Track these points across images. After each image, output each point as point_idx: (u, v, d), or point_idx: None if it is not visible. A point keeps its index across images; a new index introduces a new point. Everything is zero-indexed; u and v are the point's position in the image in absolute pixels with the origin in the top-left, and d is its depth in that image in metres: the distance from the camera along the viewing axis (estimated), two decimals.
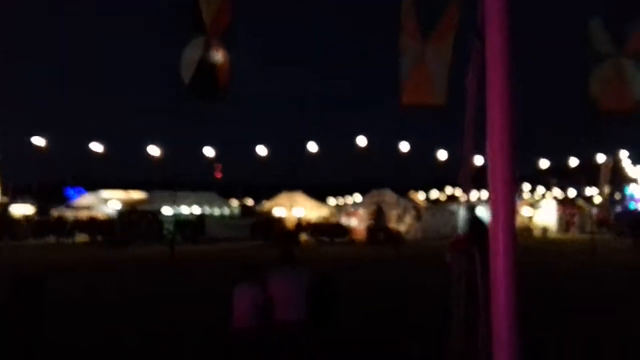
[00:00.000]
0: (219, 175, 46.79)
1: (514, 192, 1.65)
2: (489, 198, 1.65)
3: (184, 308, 10.40)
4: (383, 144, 48.49)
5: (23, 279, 5.23)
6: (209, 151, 35.61)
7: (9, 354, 4.62)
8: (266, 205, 41.13)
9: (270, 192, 43.62)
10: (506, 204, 1.65)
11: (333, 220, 37.43)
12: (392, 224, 33.57)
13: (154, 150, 34.21)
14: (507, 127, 1.63)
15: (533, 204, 45.17)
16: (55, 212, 36.86)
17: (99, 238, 31.51)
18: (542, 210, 43.85)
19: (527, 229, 39.94)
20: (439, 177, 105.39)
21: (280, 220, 35.30)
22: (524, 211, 43.08)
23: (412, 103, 9.40)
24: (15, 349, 4.73)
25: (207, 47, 4.23)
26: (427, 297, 9.77)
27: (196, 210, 37.42)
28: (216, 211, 39.72)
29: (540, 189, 61.20)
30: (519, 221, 40.68)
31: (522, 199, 45.93)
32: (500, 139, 1.64)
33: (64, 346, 6.91)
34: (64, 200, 41.38)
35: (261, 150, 35.30)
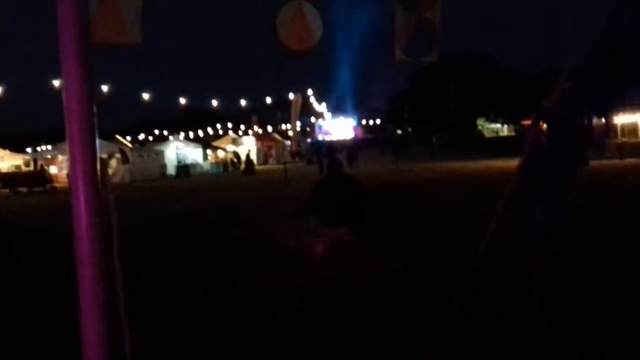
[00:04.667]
0: None
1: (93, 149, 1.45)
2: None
3: None
4: None
5: None
6: None
7: None
8: None
9: None
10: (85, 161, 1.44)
11: (28, 169, 34.51)
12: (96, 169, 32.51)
13: None
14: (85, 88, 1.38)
15: (235, 140, 48.11)
16: None
17: None
18: (244, 146, 47.09)
19: (233, 164, 42.71)
20: (146, 118, 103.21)
21: None
22: (229, 147, 45.70)
23: (105, 41, 9.56)
24: None
25: None
26: (129, 238, 10.27)
27: None
28: None
29: (242, 127, 65.27)
30: (225, 156, 42.67)
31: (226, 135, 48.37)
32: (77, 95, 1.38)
33: None
34: None
35: None
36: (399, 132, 63.87)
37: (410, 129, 63.41)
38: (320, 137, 52.64)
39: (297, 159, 45.94)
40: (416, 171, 23.85)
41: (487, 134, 72.55)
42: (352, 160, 32.09)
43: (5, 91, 34.31)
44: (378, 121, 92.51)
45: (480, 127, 73.14)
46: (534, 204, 2.57)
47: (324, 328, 4.84)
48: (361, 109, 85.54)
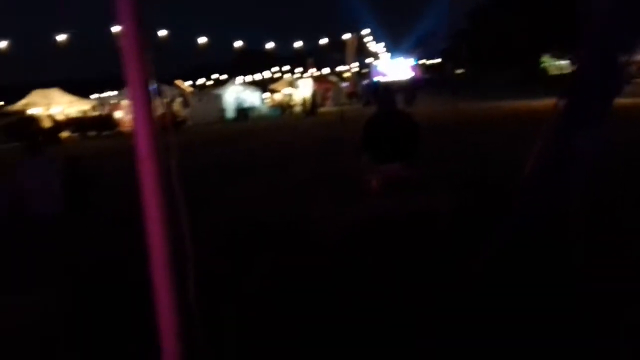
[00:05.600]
0: None
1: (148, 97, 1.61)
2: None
3: None
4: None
5: None
6: None
7: None
8: (18, 105, 37.39)
9: (23, 91, 39.53)
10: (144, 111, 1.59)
11: (96, 114, 35.92)
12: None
13: None
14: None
15: (292, 83, 48.06)
16: None
17: None
18: (300, 88, 47.02)
19: (289, 106, 42.97)
20: (203, 63, 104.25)
21: (35, 119, 32.72)
22: (285, 90, 45.81)
23: None
24: None
25: None
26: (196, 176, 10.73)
27: None
28: None
29: (298, 69, 65.11)
30: (281, 99, 43.02)
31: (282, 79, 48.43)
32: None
33: None
34: None
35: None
36: (459, 71, 62.15)
37: (470, 68, 61.55)
38: (375, 79, 51.86)
39: (354, 100, 45.56)
40: (475, 111, 23.40)
41: (551, 72, 69.40)
42: (410, 100, 31.67)
43: (71, 38, 35.32)
44: (437, 60, 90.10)
45: (544, 65, 69.98)
46: (576, 129, 2.65)
47: (374, 256, 5.09)
48: (420, 48, 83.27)
